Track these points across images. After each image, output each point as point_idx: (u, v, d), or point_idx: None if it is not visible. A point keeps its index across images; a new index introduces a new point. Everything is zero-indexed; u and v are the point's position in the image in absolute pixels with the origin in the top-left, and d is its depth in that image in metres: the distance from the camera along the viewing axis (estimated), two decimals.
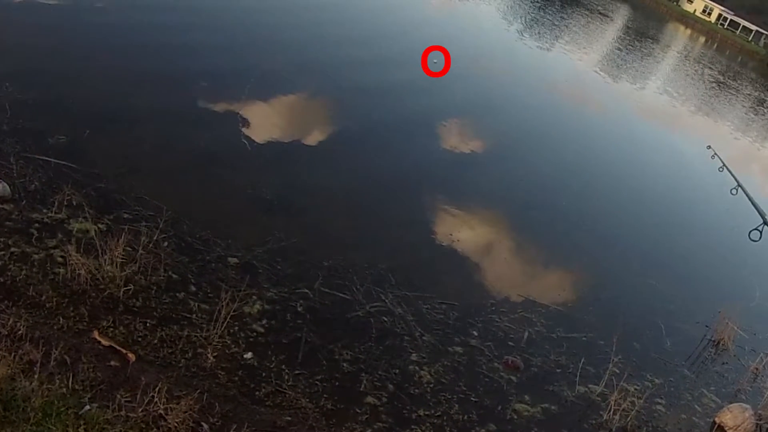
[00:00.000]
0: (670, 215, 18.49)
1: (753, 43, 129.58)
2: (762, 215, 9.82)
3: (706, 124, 35.62)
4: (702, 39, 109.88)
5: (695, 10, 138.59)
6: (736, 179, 13.12)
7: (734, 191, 12.97)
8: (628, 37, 59.82)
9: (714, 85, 52.34)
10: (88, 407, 5.97)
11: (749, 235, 7.00)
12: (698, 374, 10.84)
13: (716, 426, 9.50)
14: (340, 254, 9.90)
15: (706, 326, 12.19)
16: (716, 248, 17.48)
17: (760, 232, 7.35)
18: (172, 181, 10.23)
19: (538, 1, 52.12)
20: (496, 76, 24.96)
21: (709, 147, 11.43)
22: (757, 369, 11.29)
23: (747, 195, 12.37)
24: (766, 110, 50.84)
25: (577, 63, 35.26)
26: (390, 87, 18.32)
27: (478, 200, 13.96)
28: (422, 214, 12.47)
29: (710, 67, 64.60)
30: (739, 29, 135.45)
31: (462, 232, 12.20)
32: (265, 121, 13.12)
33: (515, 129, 19.98)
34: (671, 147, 27.03)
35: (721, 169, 13.02)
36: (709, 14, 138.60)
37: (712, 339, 11.94)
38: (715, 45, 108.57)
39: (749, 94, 56.75)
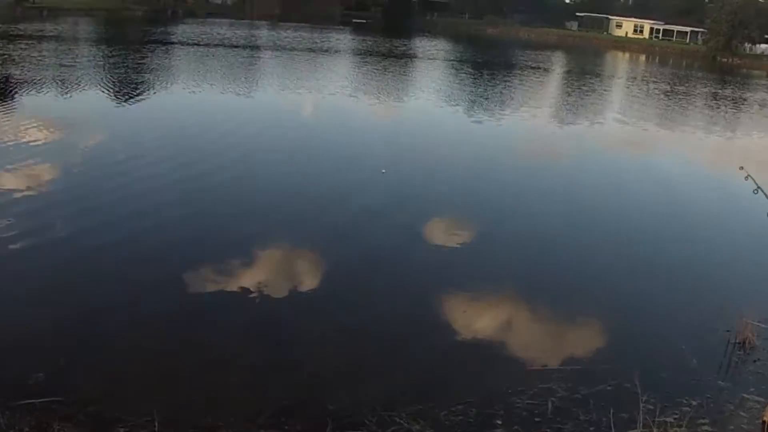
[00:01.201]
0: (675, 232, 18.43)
1: (692, 43, 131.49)
2: None
3: (672, 136, 35.87)
4: (642, 57, 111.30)
5: (627, 33, 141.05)
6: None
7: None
8: (570, 81, 60.51)
9: (669, 96, 52.81)
10: None
11: None
12: (733, 381, 10.58)
13: (766, 425, 9.23)
14: (344, 394, 9.69)
15: (727, 331, 11.97)
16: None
17: None
18: (158, 377, 10.03)
19: (468, 82, 52.80)
20: (462, 161, 24.97)
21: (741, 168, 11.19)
22: None
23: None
24: (720, 103, 51.26)
25: (532, 122, 35.56)
26: (357, 215, 18.26)
27: (473, 290, 13.78)
28: (418, 323, 12.29)
29: (658, 81, 65.34)
30: (675, 36, 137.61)
31: (462, 325, 12.05)
32: (237, 288, 13.01)
33: (498, 207, 19.98)
34: (646, 170, 27.03)
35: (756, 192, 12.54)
36: (641, 32, 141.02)
37: (737, 342, 11.72)
38: (657, 58, 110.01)
39: (701, 93, 57.37)
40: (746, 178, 9.59)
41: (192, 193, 18.73)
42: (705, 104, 50.52)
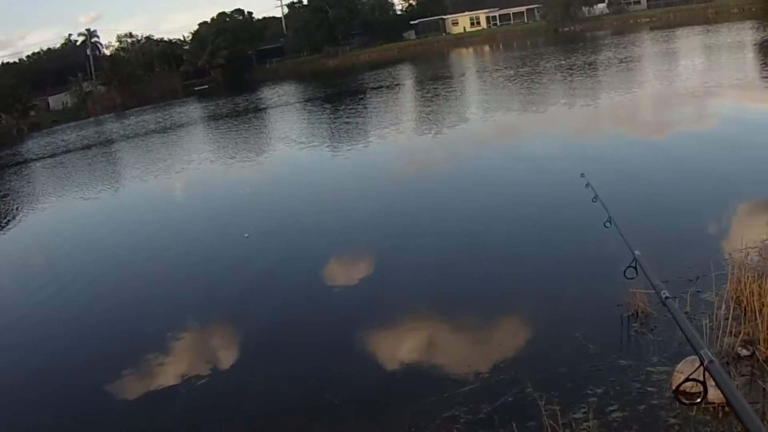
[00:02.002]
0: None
1: (530, 22, 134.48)
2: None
3: (517, 122, 36.22)
4: (486, 48, 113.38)
5: (465, 28, 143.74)
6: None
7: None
8: (426, 89, 60.88)
9: (521, 80, 53.55)
10: None
11: (624, 274, 6.68)
12: (635, 357, 10.24)
13: (677, 391, 8.95)
14: None
15: (618, 305, 11.75)
16: None
17: (635, 269, 7.03)
18: None
19: (320, 119, 53.00)
20: (334, 197, 24.64)
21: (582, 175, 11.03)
22: (687, 314, 10.81)
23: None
24: (573, 73, 52.13)
25: (394, 139, 35.60)
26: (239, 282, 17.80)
27: (361, 326, 13.43)
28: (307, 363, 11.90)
29: (503, 68, 66.32)
30: (512, 18, 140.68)
31: (355, 364, 11.72)
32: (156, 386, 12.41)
33: (379, 233, 19.60)
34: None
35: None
36: (479, 23, 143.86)
37: (630, 314, 11.51)
38: (501, 45, 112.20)
39: (546, 68, 58.40)
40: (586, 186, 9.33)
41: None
42: (550, 79, 51.31)
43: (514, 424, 8.89)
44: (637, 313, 11.43)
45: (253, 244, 20.17)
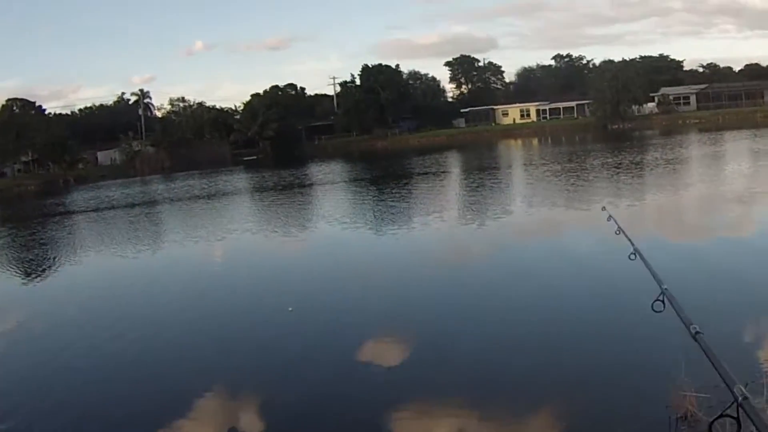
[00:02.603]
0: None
1: (580, 117, 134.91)
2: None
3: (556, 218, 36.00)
4: (535, 141, 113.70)
5: (514, 119, 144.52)
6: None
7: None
8: (472, 179, 60.98)
9: (567, 176, 53.46)
10: None
11: (652, 307, 6.49)
12: None
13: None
14: None
15: (667, 407, 11.57)
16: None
17: (663, 303, 6.83)
18: None
19: (366, 199, 53.21)
20: (378, 278, 24.59)
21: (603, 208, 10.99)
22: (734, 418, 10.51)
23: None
24: (620, 172, 51.93)
25: (438, 227, 35.58)
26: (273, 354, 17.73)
27: (413, 408, 13.32)
28: None
29: (554, 163, 66.24)
30: (562, 112, 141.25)
31: None
32: None
33: (421, 316, 19.55)
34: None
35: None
36: (528, 115, 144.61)
37: (678, 416, 11.41)
38: (549, 139, 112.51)
39: (592, 166, 58.27)
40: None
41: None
42: (596, 176, 51.16)
43: None
44: (686, 416, 11.33)
45: (297, 318, 20.32)
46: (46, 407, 15.41)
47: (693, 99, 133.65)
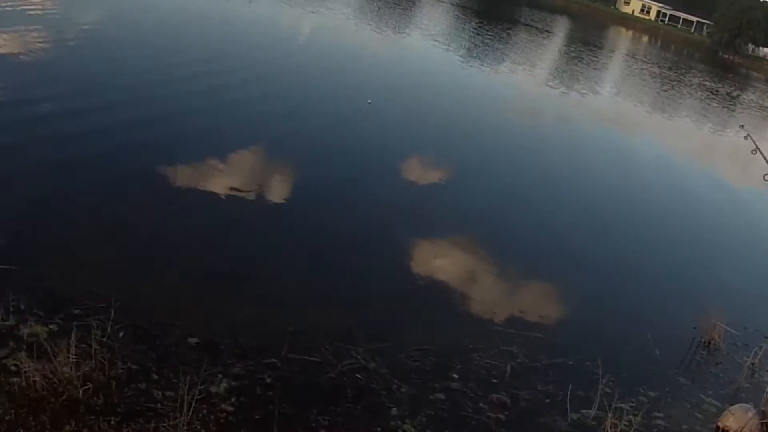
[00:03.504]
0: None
1: (696, 34, 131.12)
2: None
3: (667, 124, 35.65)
4: (645, 38, 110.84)
5: (633, 11, 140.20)
6: None
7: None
8: (572, 48, 59.97)
9: (662, 81, 52.51)
10: None
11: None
12: (694, 380, 10.45)
13: (720, 431, 9.12)
14: (304, 317, 9.52)
15: (694, 328, 11.81)
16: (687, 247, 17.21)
17: None
18: (120, 268, 9.72)
19: (468, 30, 52.10)
20: (449, 104, 24.69)
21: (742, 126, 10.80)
22: (753, 364, 10.88)
23: None
24: (713, 99, 50.92)
25: (524, 81, 35.20)
26: (336, 131, 18.13)
27: (443, 235, 13.59)
28: (385, 261, 12.15)
29: (655, 64, 64.93)
30: (680, 23, 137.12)
31: (429, 271, 11.85)
32: (209, 190, 12.71)
33: (474, 154, 19.74)
34: (622, 147, 26.82)
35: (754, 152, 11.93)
36: (648, 12, 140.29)
37: (702, 340, 11.56)
38: (659, 42, 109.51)
39: (693, 83, 57.09)
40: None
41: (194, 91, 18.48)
42: (689, 93, 50.20)
43: (569, 386, 9.08)
44: (710, 343, 11.49)
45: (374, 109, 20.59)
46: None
47: None
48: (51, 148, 12.90)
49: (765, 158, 7.47)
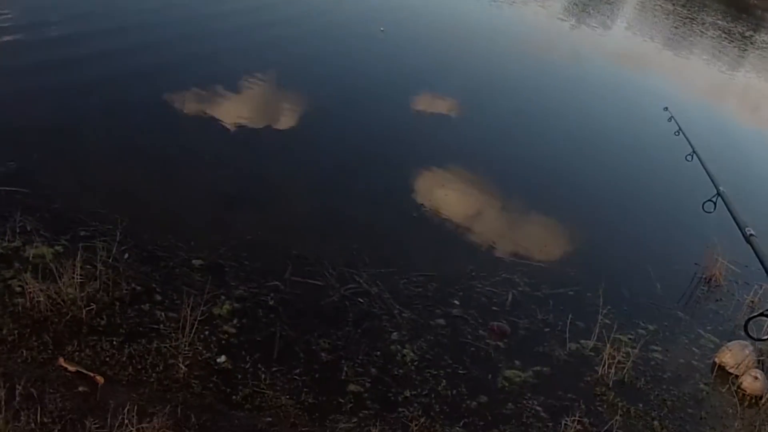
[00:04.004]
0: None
1: None
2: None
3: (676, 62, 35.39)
4: None
5: None
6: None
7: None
8: None
9: (675, 19, 51.96)
10: None
11: (702, 207, 6.66)
12: (693, 315, 10.53)
13: (717, 366, 9.23)
14: (308, 241, 9.60)
15: (696, 264, 11.86)
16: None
17: (714, 203, 6.93)
18: (127, 190, 9.76)
19: None
20: (455, 35, 24.51)
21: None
22: (753, 302, 10.91)
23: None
24: (725, 39, 50.38)
25: (538, 12, 34.88)
26: (345, 58, 18.10)
27: (448, 164, 13.56)
28: (391, 189, 12.15)
29: (669, 2, 64.16)
30: None
31: (434, 200, 11.86)
32: (216, 115, 12.73)
33: (482, 87, 19.61)
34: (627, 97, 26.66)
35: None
36: None
37: (703, 276, 11.60)
38: None
39: (709, 21, 56.47)
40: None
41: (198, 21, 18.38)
42: (700, 32, 49.62)
43: (569, 316, 9.17)
44: (711, 279, 11.55)
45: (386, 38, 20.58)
46: None
47: None
48: (60, 72, 12.82)
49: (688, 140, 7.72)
